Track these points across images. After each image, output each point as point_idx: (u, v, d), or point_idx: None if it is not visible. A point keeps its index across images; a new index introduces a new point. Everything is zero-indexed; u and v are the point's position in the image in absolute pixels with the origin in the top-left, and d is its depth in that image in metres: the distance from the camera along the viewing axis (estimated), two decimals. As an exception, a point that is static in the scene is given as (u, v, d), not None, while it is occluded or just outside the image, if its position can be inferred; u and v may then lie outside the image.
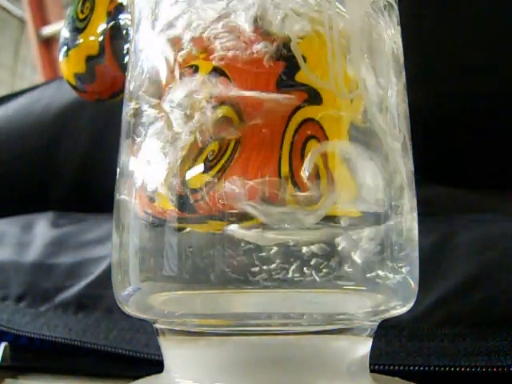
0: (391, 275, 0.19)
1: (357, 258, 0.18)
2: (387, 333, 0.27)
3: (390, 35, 0.21)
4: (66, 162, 0.56)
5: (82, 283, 0.35)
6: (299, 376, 0.19)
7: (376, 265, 0.19)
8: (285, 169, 0.18)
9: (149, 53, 0.21)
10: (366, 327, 0.20)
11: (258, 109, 0.18)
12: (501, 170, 0.43)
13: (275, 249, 0.18)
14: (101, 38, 0.26)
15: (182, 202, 0.18)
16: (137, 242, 0.20)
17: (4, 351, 0.32)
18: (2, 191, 0.56)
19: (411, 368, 0.26)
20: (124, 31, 0.25)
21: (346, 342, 0.19)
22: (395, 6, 0.21)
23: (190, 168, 0.18)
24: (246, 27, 0.19)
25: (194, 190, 0.18)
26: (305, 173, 0.18)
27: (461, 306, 0.27)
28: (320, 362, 0.19)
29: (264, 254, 0.18)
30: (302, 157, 0.18)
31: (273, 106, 0.18)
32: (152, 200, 0.19)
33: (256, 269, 0.18)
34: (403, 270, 0.19)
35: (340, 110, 0.19)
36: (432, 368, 0.26)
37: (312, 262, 0.18)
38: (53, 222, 0.46)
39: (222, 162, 0.18)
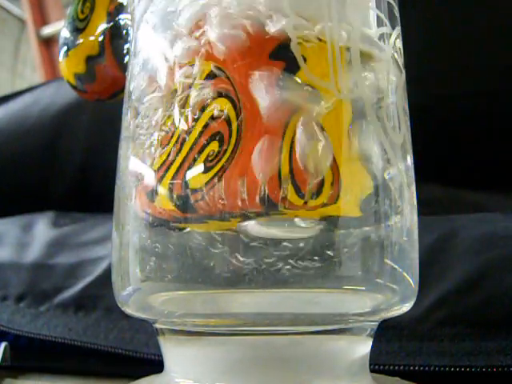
0: (391, 275, 0.19)
1: (357, 258, 0.18)
2: (387, 333, 0.27)
3: (390, 35, 0.21)
4: (66, 161, 0.56)
5: (82, 283, 0.35)
6: (299, 376, 0.19)
7: (376, 265, 0.19)
8: (285, 169, 0.18)
9: (149, 52, 0.21)
10: (365, 327, 0.20)
11: (257, 108, 0.18)
12: (501, 170, 0.43)
13: (275, 249, 0.18)
14: (101, 38, 0.26)
15: (182, 202, 0.18)
16: (137, 242, 0.20)
17: (4, 351, 0.31)
18: (2, 191, 0.56)
19: (411, 368, 0.26)
20: (124, 31, 0.25)
21: (346, 342, 0.19)
22: (395, 6, 0.21)
23: (190, 168, 0.18)
24: (247, 26, 0.19)
25: (194, 190, 0.18)
26: (305, 173, 0.18)
27: (461, 306, 0.27)
28: (320, 361, 0.19)
29: (264, 253, 0.18)
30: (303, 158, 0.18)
31: (273, 106, 0.18)
32: (152, 200, 0.19)
33: (256, 269, 0.18)
34: (403, 269, 0.19)
35: (340, 110, 0.19)
36: (432, 368, 0.26)
37: (312, 262, 0.18)
38: (53, 222, 0.46)
39: (222, 161, 0.18)
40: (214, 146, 0.18)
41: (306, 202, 0.18)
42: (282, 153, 0.18)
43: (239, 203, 0.18)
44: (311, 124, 0.18)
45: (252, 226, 0.18)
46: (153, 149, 0.20)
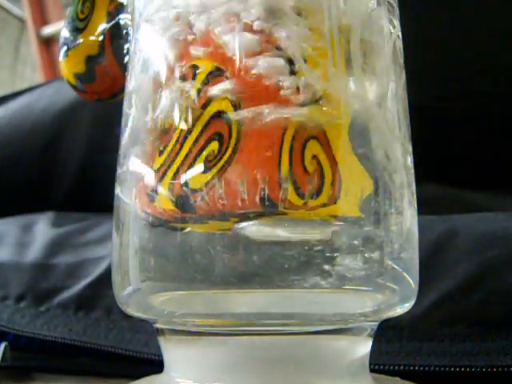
0: (391, 275, 0.19)
1: (357, 258, 0.18)
2: (387, 333, 0.27)
3: (390, 35, 0.21)
4: (66, 162, 0.56)
5: (82, 283, 0.35)
6: (299, 376, 0.19)
7: (376, 265, 0.19)
8: (285, 169, 0.18)
9: (149, 52, 0.21)
10: (365, 327, 0.20)
11: (257, 110, 0.18)
12: (501, 170, 0.43)
13: (275, 249, 0.18)
14: (101, 38, 0.26)
15: (182, 202, 0.18)
16: (137, 242, 0.20)
17: (4, 351, 0.31)
18: (2, 191, 0.56)
19: (411, 368, 0.26)
20: (124, 31, 0.25)
21: (346, 341, 0.19)
22: (395, 6, 0.21)
23: (190, 168, 0.18)
24: (248, 27, 0.19)
25: (194, 190, 0.18)
26: (305, 173, 0.18)
27: (461, 306, 0.27)
28: (320, 361, 0.19)
29: (264, 253, 0.18)
30: (302, 157, 0.18)
31: (273, 107, 0.18)
32: (152, 200, 0.19)
33: (256, 269, 0.18)
34: (403, 269, 0.19)
35: (340, 110, 0.19)
36: (432, 368, 0.26)
37: (312, 262, 0.18)
38: (53, 222, 0.46)
39: (222, 162, 0.18)
40: (214, 146, 0.18)
41: (305, 202, 0.18)
42: (282, 153, 0.18)
43: (239, 203, 0.18)
44: (311, 124, 0.18)
45: (251, 227, 0.18)
46: (153, 149, 0.20)
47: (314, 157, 0.18)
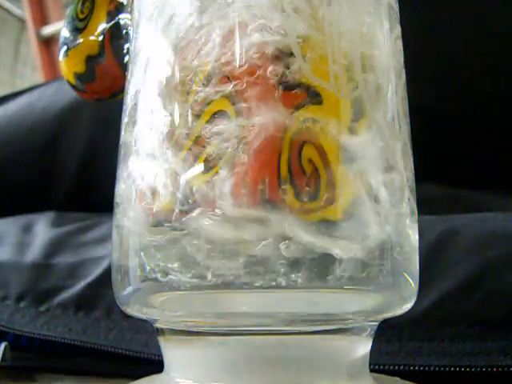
0: (391, 275, 0.19)
1: (357, 257, 0.18)
2: (387, 333, 0.27)
3: (391, 35, 0.21)
4: (66, 161, 0.56)
5: (82, 283, 0.35)
6: (299, 376, 0.19)
7: (376, 265, 0.19)
8: (284, 170, 0.18)
9: (149, 52, 0.21)
10: (365, 327, 0.20)
11: (257, 109, 0.18)
12: (501, 169, 0.43)
13: (275, 248, 0.18)
14: (101, 38, 0.26)
15: (183, 202, 0.18)
16: (137, 242, 0.20)
17: (4, 351, 0.31)
18: (2, 190, 0.56)
19: (411, 368, 0.26)
20: (124, 31, 0.25)
21: (345, 341, 0.19)
22: (395, 6, 0.21)
23: (190, 168, 0.18)
24: (248, 27, 0.19)
25: (195, 191, 0.18)
26: (304, 174, 0.18)
27: (461, 306, 0.27)
28: (320, 361, 0.19)
29: (264, 253, 0.18)
30: (300, 159, 0.18)
31: (272, 107, 0.18)
32: (152, 200, 0.19)
33: (256, 269, 0.18)
34: (403, 269, 0.19)
35: (340, 110, 0.19)
36: (432, 368, 0.26)
37: (312, 262, 0.18)
38: (53, 222, 0.46)
39: (222, 162, 0.18)
40: (214, 146, 0.18)
41: (305, 204, 0.18)
42: (281, 154, 0.18)
43: (239, 204, 0.18)
44: (310, 125, 0.18)
45: (251, 227, 0.18)
46: (153, 148, 0.20)
47: (311, 160, 0.18)
